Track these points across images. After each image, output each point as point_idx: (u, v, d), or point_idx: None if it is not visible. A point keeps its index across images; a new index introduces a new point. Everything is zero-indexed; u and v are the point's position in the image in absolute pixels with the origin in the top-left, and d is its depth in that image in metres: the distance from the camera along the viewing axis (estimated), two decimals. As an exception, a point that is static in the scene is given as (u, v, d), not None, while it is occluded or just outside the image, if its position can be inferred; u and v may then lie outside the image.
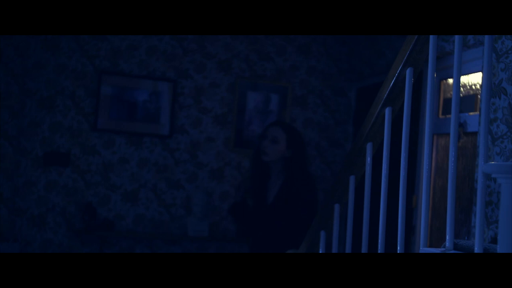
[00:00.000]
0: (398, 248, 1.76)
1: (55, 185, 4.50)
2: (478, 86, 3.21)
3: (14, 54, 4.43)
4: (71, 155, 4.54)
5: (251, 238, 2.94)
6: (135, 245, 4.62)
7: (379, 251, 1.90)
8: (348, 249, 2.19)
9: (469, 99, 3.25)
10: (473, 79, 3.27)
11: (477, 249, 1.37)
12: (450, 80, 3.50)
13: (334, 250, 2.26)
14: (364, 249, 2.03)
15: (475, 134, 3.07)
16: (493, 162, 1.34)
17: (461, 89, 3.25)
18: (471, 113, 3.18)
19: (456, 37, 1.60)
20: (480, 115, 2.74)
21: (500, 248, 1.26)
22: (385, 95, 2.01)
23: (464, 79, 3.29)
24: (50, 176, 4.50)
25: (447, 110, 3.46)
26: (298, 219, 2.74)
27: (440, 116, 3.49)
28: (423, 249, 1.56)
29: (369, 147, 2.09)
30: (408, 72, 1.89)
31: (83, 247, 4.51)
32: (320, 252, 2.27)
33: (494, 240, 2.29)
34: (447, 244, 1.52)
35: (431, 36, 1.72)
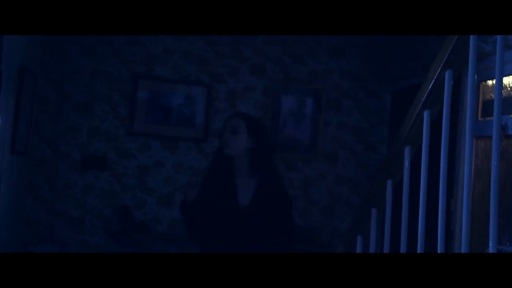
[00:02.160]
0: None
1: (92, 188, 4.58)
2: (518, 88, 3.12)
3: (52, 60, 4.54)
4: (107, 159, 4.61)
5: (201, 241, 2.58)
6: (169, 248, 4.65)
7: (418, 257, 1.86)
8: (385, 254, 2.15)
9: (509, 100, 3.17)
10: (514, 81, 3.19)
11: (521, 256, 1.33)
12: (490, 82, 3.43)
13: (371, 255, 2.22)
14: (402, 254, 1.99)
15: (516, 137, 2.99)
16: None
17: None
18: (512, 115, 3.10)
19: (498, 37, 1.57)
20: (521, 117, 2.67)
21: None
22: (424, 98, 1.97)
23: (504, 80, 3.21)
24: (87, 179, 4.58)
25: (486, 112, 3.38)
26: (276, 220, 2.48)
27: (479, 118, 3.42)
28: (465, 255, 1.52)
29: (407, 151, 2.06)
30: (447, 74, 1.85)
31: (118, 250, 4.56)
32: (357, 257, 2.24)
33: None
34: (490, 250, 1.48)
35: (471, 37, 1.68)
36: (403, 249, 2.00)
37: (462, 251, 1.53)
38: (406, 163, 2.05)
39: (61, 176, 4.53)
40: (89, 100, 4.61)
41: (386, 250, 2.16)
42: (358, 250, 2.26)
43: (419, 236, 1.88)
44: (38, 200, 4.47)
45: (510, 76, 3.19)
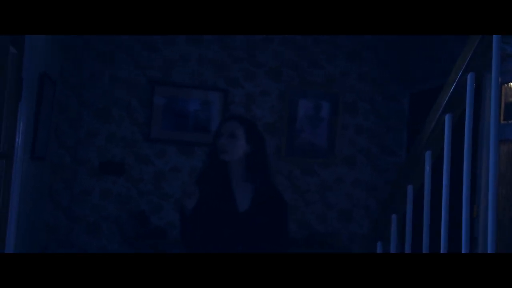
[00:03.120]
0: (462, 260, 1.69)
1: (109, 193, 4.60)
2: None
3: (71, 66, 4.57)
4: (125, 165, 4.63)
5: (199, 247, 2.45)
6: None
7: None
8: (407, 261, 2.12)
9: (531, 103, 3.12)
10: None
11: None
12: None
13: (392, 261, 2.19)
14: (424, 261, 1.96)
15: (538, 140, 2.94)
16: None
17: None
18: (534, 118, 3.05)
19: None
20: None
21: None
22: (445, 101, 1.94)
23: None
24: (105, 184, 4.60)
25: (509, 115, 3.33)
26: (273, 224, 2.40)
27: (502, 121, 3.37)
28: (490, 262, 1.49)
29: (428, 156, 2.03)
30: (469, 77, 1.82)
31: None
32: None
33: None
34: (516, 257, 1.45)
35: (494, 37, 1.65)
36: (425, 255, 1.97)
37: (487, 258, 1.50)
38: (427, 168, 2.02)
39: (80, 181, 4.56)
40: (107, 106, 4.64)
41: (407, 256, 2.13)
42: (379, 256, 2.23)
43: (442, 243, 1.85)
44: (57, 205, 4.50)
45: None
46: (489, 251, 1.49)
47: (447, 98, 1.94)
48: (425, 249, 1.97)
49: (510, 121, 3.31)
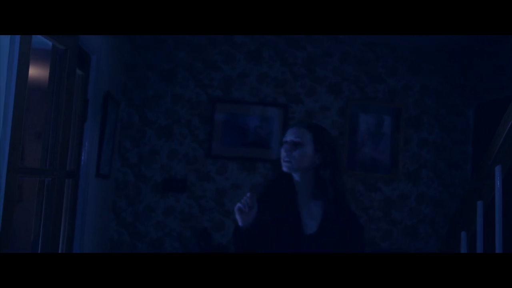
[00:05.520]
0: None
1: (172, 210, 4.66)
2: None
3: (135, 86, 4.71)
4: (187, 181, 4.69)
5: None
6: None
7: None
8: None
9: None
10: None
11: None
12: None
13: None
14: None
15: None
16: None
17: None
18: None
19: None
20: None
21: None
22: (515, 113, 1.85)
23: None
24: (167, 201, 4.67)
25: None
26: (345, 250, 2.06)
27: None
28: None
29: (498, 170, 1.93)
30: (542, 87, 1.73)
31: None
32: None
33: None
34: None
35: None
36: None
37: None
38: (498, 183, 1.92)
39: (143, 198, 4.65)
40: (169, 124, 4.73)
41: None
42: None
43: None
44: (120, 222, 4.61)
45: None
46: None
47: (517, 110, 1.84)
48: (497, 269, 1.86)
49: None
